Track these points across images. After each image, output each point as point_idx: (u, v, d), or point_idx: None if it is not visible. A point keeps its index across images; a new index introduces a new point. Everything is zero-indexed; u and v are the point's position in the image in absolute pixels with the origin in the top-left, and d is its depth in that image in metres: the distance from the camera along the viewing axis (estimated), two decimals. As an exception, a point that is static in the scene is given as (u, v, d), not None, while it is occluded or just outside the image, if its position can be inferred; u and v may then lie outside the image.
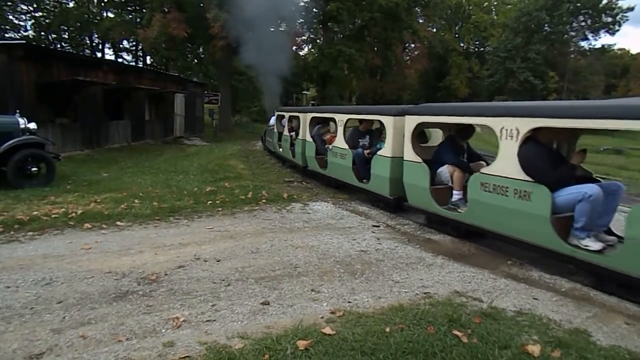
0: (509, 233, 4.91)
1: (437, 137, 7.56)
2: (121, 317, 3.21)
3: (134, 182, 9.24)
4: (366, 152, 8.00)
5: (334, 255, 4.75)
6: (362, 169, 7.93)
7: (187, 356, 2.66)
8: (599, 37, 43.48)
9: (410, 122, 6.51)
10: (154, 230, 5.62)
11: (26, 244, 4.94)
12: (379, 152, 7.39)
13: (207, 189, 8.21)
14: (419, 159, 6.31)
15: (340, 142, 8.68)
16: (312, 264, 4.46)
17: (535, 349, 2.75)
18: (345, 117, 8.69)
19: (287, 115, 12.63)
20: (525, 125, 4.63)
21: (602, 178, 5.62)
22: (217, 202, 7.22)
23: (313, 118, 10.30)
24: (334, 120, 9.29)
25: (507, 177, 4.81)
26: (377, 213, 7.17)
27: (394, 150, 6.93)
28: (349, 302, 3.56)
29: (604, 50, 44.13)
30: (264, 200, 7.49)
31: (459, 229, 5.75)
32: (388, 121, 7.20)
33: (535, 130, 4.68)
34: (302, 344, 2.75)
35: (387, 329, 2.97)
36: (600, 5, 40.30)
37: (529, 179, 4.54)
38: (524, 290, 3.94)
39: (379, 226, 6.24)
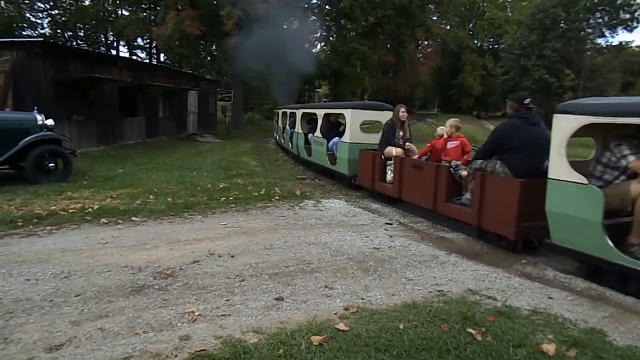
0: (319, 162, 10.59)
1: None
2: (138, 310, 3.26)
3: (149, 178, 9.33)
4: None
5: (347, 252, 4.77)
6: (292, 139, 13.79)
7: (202, 349, 2.69)
8: (617, 34, 42.86)
9: (300, 112, 12.79)
10: (168, 226, 5.69)
11: (44, 238, 5.04)
12: (295, 130, 13.32)
13: (221, 186, 8.28)
14: (302, 131, 12.32)
15: (285, 125, 15.44)
16: (325, 261, 4.48)
17: (550, 348, 2.73)
18: (281, 110, 16.65)
19: (276, 112, 20.35)
20: (322, 112, 10.60)
21: None
22: (231, 198, 7.28)
23: (283, 112, 16.53)
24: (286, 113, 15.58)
25: (318, 136, 10.44)
26: (390, 211, 7.16)
27: (301, 128, 12.54)
28: (362, 298, 3.57)
29: (622, 47, 43.33)
30: (276, 197, 7.53)
31: (310, 167, 11.62)
32: (297, 112, 13.10)
33: (327, 115, 10.42)
34: (316, 339, 2.77)
35: (401, 326, 2.97)
36: (618, 2, 39.57)
37: (321, 135, 10.22)
38: (538, 289, 3.91)
39: (391, 224, 6.23)
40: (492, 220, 5.21)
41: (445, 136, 6.84)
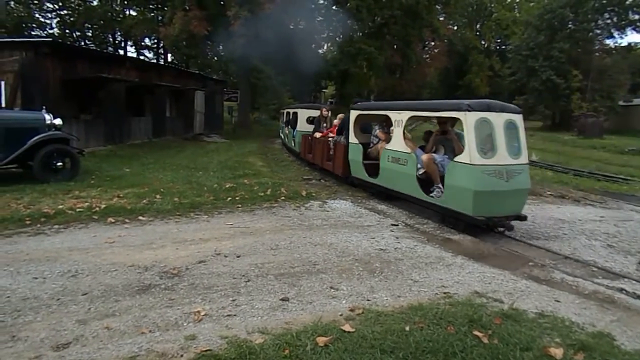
0: (290, 146, 15.49)
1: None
2: (144, 309, 3.27)
3: (155, 177, 9.37)
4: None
5: (352, 253, 4.76)
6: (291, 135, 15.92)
7: (208, 349, 2.70)
8: (626, 35, 42.36)
9: (285, 112, 18.03)
10: (175, 225, 5.71)
11: (52, 236, 5.07)
12: (283, 124, 18.17)
13: (227, 186, 8.29)
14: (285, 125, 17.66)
15: (281, 122, 19.96)
16: (331, 262, 4.48)
17: (557, 352, 2.72)
18: (280, 111, 21.52)
19: (280, 112, 22.71)
20: (292, 111, 15.98)
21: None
22: (237, 198, 7.29)
23: (280, 112, 21.24)
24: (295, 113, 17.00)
25: (290, 128, 15.55)
26: (396, 212, 7.15)
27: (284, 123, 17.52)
28: (368, 300, 3.57)
29: (631, 48, 42.86)
30: (282, 198, 7.53)
31: (290, 151, 16.08)
32: (284, 112, 18.31)
33: (294, 113, 15.09)
34: (321, 340, 2.77)
35: (407, 328, 2.97)
36: (627, 2, 39.16)
37: (290, 127, 15.61)
38: (545, 292, 3.89)
39: (397, 225, 6.22)
40: (336, 167, 9.60)
41: (335, 124, 10.86)
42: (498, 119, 5.71)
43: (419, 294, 3.72)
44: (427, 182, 6.63)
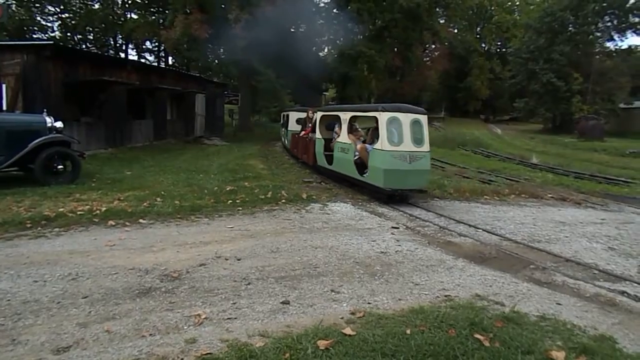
0: (285, 144, 18.02)
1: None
2: (145, 313, 3.26)
3: (156, 180, 9.37)
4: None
5: (353, 256, 4.75)
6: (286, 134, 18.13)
7: (208, 353, 2.69)
8: (626, 38, 42.41)
9: (282, 114, 20.60)
10: (175, 228, 5.70)
11: (53, 239, 5.07)
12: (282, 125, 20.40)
13: (228, 188, 8.28)
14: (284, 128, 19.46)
15: (282, 124, 20.61)
16: (332, 265, 4.47)
17: (559, 355, 2.71)
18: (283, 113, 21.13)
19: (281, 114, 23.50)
20: (286, 114, 18.13)
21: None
22: (237, 201, 7.28)
23: (282, 114, 21.05)
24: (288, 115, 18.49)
25: (286, 129, 17.56)
26: (397, 214, 7.14)
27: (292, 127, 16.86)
28: (369, 303, 3.56)
29: (631, 51, 42.89)
30: (283, 200, 7.53)
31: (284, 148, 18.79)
32: (282, 114, 20.48)
33: (287, 115, 17.82)
34: (322, 343, 2.76)
35: (408, 331, 2.96)
36: (628, 5, 39.19)
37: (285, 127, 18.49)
38: (547, 295, 3.88)
39: (398, 227, 6.21)
40: (309, 158, 11.63)
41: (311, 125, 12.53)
42: (405, 118, 7.72)
43: (420, 297, 3.72)
44: (361, 166, 8.53)
